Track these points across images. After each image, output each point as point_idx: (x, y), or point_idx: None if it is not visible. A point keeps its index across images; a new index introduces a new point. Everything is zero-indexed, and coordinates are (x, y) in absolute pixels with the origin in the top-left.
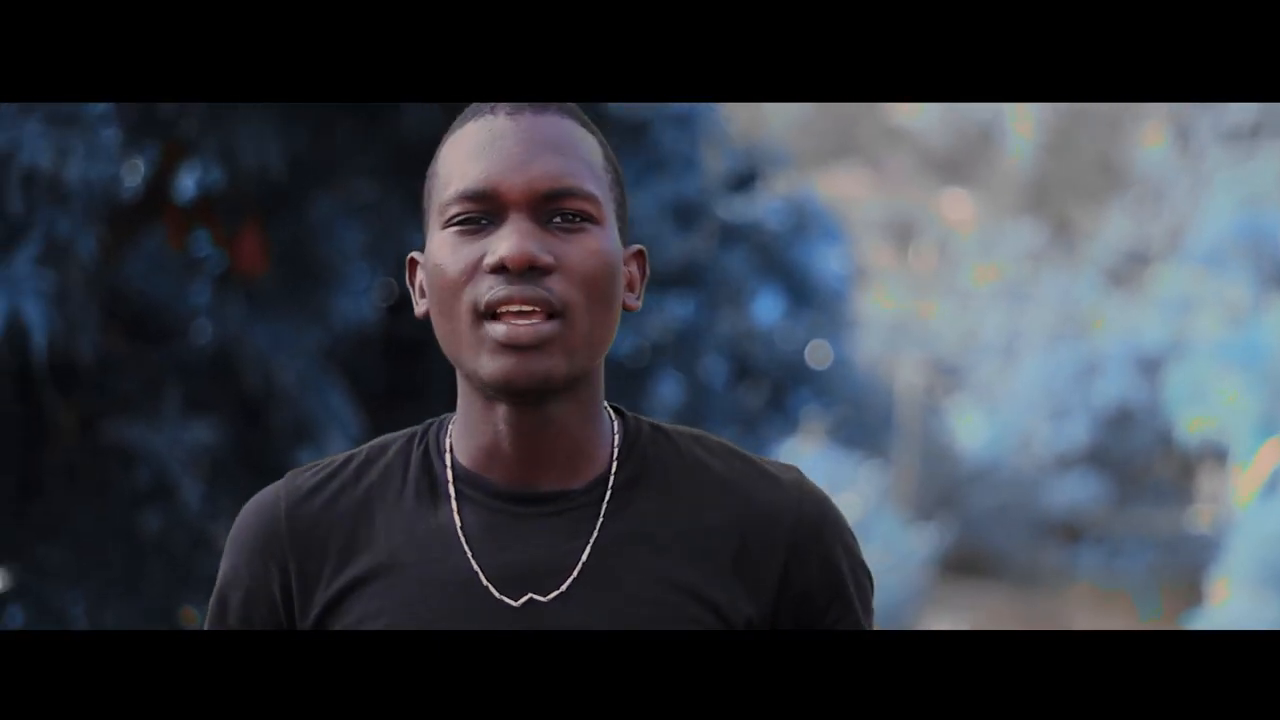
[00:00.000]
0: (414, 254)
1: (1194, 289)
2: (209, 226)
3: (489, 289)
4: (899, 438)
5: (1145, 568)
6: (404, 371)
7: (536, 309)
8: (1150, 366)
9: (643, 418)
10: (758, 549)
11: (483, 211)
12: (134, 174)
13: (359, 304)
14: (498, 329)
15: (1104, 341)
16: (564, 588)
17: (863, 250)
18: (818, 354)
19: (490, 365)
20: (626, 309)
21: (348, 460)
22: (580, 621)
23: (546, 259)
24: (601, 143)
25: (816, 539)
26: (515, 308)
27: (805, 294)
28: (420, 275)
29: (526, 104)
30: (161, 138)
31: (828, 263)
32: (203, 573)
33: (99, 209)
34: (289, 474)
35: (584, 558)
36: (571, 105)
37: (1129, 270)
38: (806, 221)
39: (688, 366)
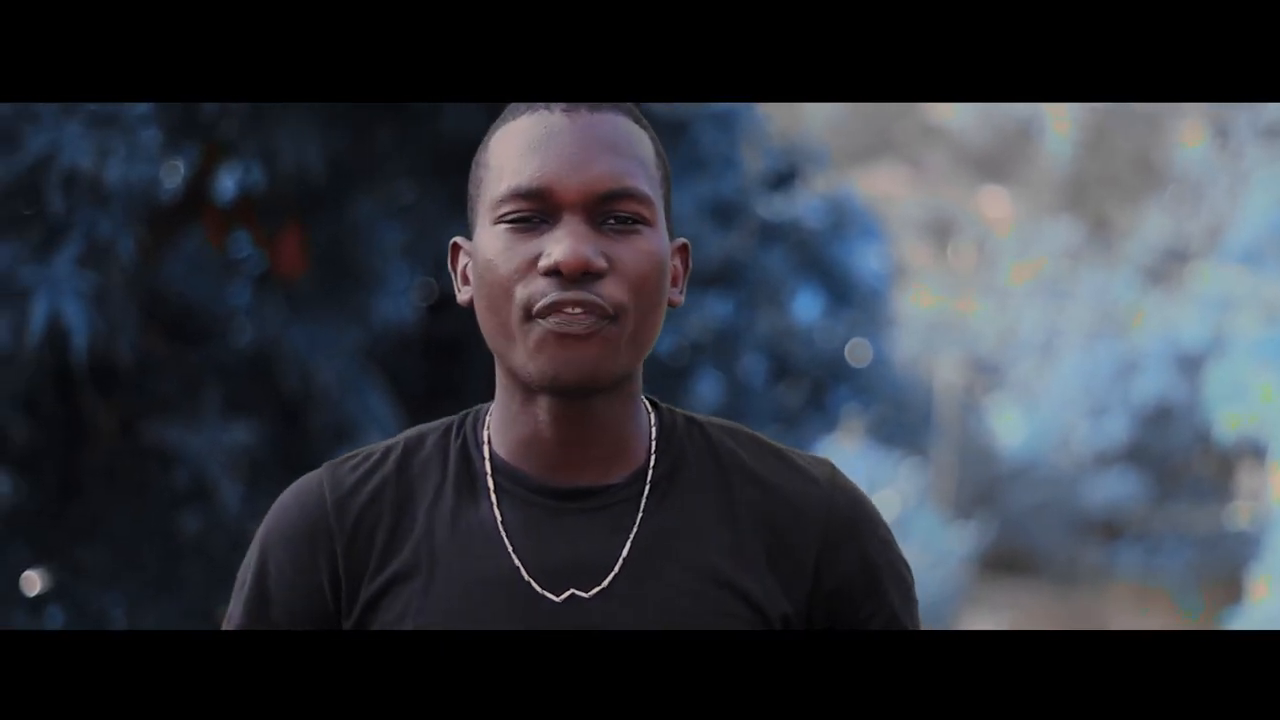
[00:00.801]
0: (459, 239)
1: (1233, 287)
2: (249, 227)
3: (542, 292)
4: (938, 436)
5: (1184, 565)
6: (443, 372)
7: (588, 311)
8: (1189, 364)
9: (676, 410)
10: (791, 542)
11: (536, 210)
12: (174, 175)
13: (398, 305)
14: (549, 322)
15: (1142, 339)
16: (606, 583)
17: (901, 248)
18: (857, 352)
19: (537, 361)
20: (670, 304)
21: (386, 452)
22: (622, 616)
23: (600, 263)
24: (653, 139)
25: (849, 533)
26: (568, 309)
27: (844, 292)
28: (464, 261)
29: (582, 102)
30: (201, 139)
31: (867, 261)
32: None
33: (139, 210)
34: (327, 465)
35: (624, 553)
36: (627, 104)
37: (1167, 268)
38: (845, 220)
39: (727, 365)
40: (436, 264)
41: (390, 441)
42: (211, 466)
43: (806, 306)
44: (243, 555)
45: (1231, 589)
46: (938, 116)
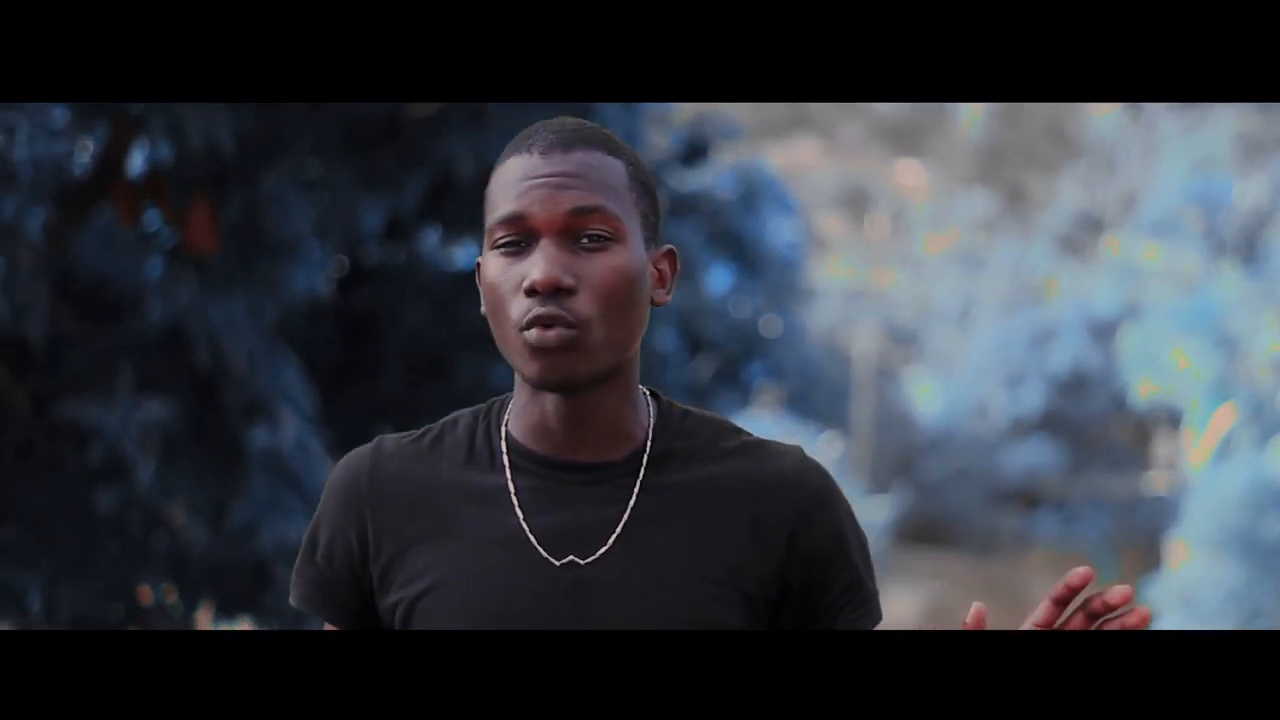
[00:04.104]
0: (480, 259)
1: (1146, 255)
2: (159, 204)
3: (526, 309)
4: (855, 407)
5: (1102, 532)
6: (356, 346)
7: (559, 325)
8: (1104, 332)
9: (675, 402)
10: (768, 516)
11: (520, 234)
12: (83, 152)
13: (311, 279)
14: (530, 334)
15: (1057, 308)
16: (602, 551)
17: (816, 221)
18: (770, 325)
19: (529, 368)
20: (655, 304)
21: (426, 432)
22: (613, 580)
23: (569, 281)
24: (629, 163)
25: (818, 505)
26: (544, 322)
27: (757, 265)
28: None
29: (558, 142)
30: (110, 116)
31: (780, 233)
32: (157, 550)
33: (48, 187)
34: (378, 438)
35: (621, 523)
36: (601, 134)
37: (1081, 237)
38: (757, 192)
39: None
40: (347, 239)
41: (434, 424)
42: (126, 444)
43: (719, 280)
44: (156, 532)
45: (1149, 555)
46: None
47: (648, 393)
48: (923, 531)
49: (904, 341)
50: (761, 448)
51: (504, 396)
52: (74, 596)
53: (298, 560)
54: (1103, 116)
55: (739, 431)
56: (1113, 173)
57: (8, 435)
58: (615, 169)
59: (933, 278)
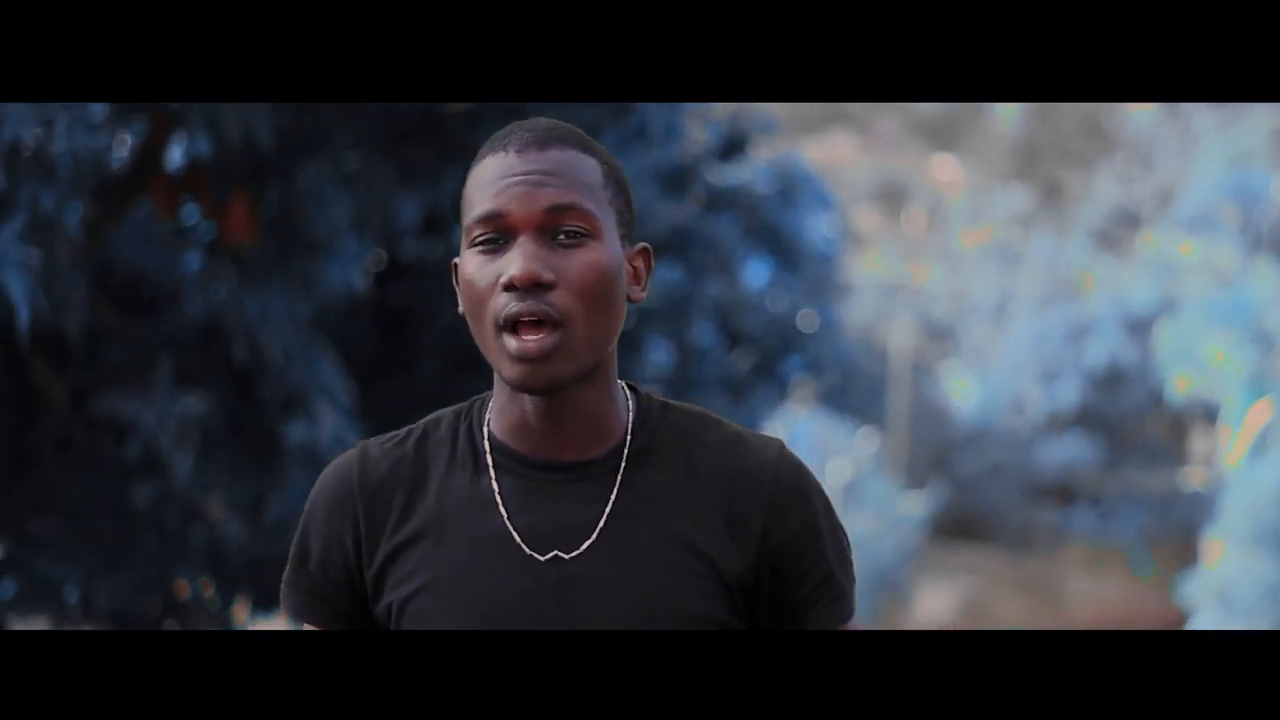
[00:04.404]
0: (456, 259)
1: (1182, 250)
2: (198, 198)
3: (504, 305)
4: (891, 402)
5: (1138, 528)
6: (393, 340)
7: (542, 321)
8: (1140, 328)
9: (654, 396)
10: (743, 508)
11: (497, 232)
12: (121, 146)
13: (348, 273)
14: (512, 343)
15: (1094, 303)
16: (585, 545)
17: (853, 215)
18: (808, 320)
19: (509, 371)
20: (632, 301)
21: (409, 434)
22: (596, 573)
23: (548, 276)
24: (602, 161)
25: (792, 499)
26: (525, 319)
27: (794, 259)
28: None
29: (534, 140)
30: (148, 110)
31: (817, 228)
32: (194, 545)
33: (87, 181)
34: (361, 444)
35: (603, 519)
36: (575, 133)
37: (1118, 232)
38: (794, 186)
39: (677, 333)
40: (385, 233)
41: (415, 425)
42: (163, 438)
43: (756, 274)
44: (194, 526)
45: (1185, 551)
46: None
47: (627, 388)
48: (959, 527)
49: (940, 337)
50: (740, 441)
51: (484, 396)
52: (111, 590)
53: (287, 573)
54: (1139, 112)
55: (720, 424)
56: (1149, 168)
57: (46, 429)
58: (590, 167)
59: (969, 273)
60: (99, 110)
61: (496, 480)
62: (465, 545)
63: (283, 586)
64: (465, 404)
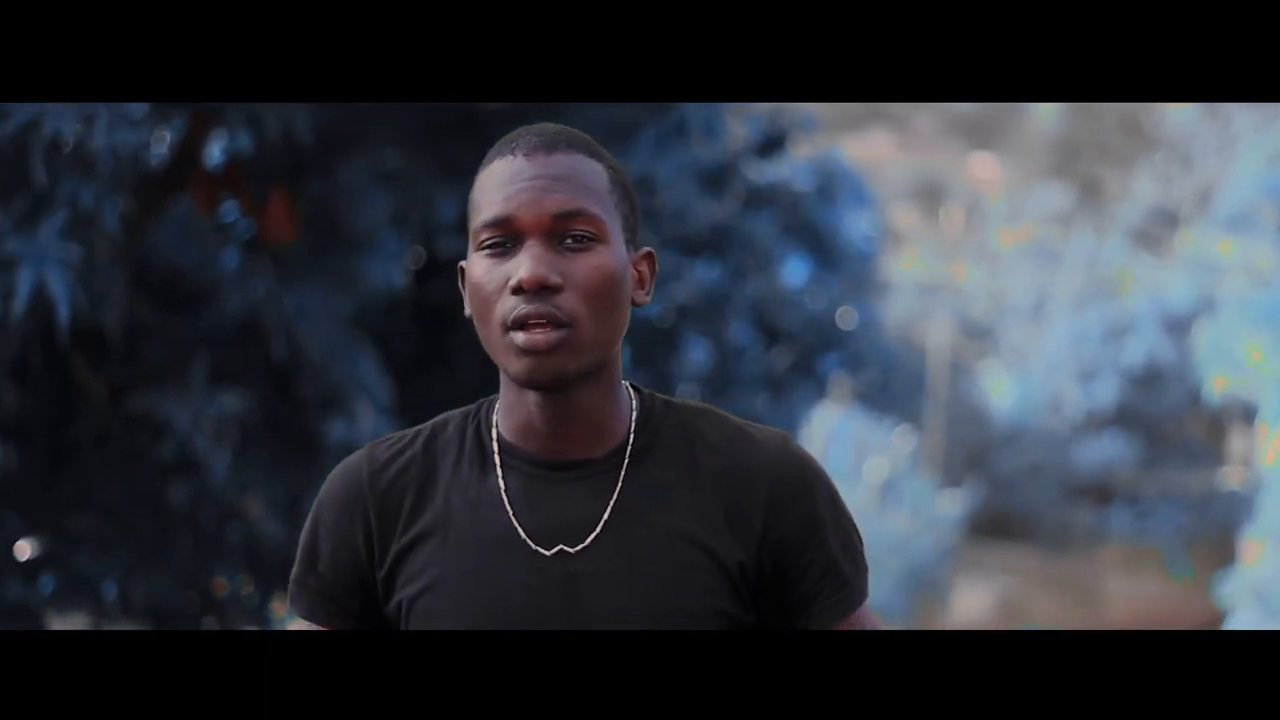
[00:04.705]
0: (463, 263)
1: (1221, 250)
2: (237, 194)
3: (513, 308)
4: (929, 400)
5: (1176, 528)
6: (432, 337)
7: (549, 322)
8: (1178, 327)
9: (657, 395)
10: (744, 503)
11: (506, 236)
12: (160, 142)
13: (387, 270)
14: (520, 337)
15: (1132, 303)
16: (589, 541)
17: (891, 213)
18: (846, 318)
19: (516, 366)
20: (636, 304)
21: (417, 434)
22: (601, 568)
23: (556, 280)
24: (609, 166)
25: (793, 493)
26: (533, 321)
27: (833, 257)
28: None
29: (541, 145)
30: (188, 106)
31: (856, 225)
32: (231, 543)
33: (126, 178)
34: (369, 445)
35: (606, 515)
36: (582, 138)
37: (1156, 231)
38: (833, 184)
39: (715, 331)
40: (425, 230)
41: (423, 425)
42: (199, 436)
43: (795, 272)
44: (231, 524)
45: (1223, 551)
46: None
47: (630, 388)
48: (996, 526)
49: (978, 335)
50: (743, 437)
51: (492, 397)
52: (149, 587)
53: (296, 575)
54: (1178, 111)
55: (723, 420)
56: (1188, 167)
57: (85, 425)
58: (596, 172)
59: (1007, 271)
60: (139, 107)
61: (503, 479)
62: (472, 543)
63: (291, 587)
64: (474, 405)
